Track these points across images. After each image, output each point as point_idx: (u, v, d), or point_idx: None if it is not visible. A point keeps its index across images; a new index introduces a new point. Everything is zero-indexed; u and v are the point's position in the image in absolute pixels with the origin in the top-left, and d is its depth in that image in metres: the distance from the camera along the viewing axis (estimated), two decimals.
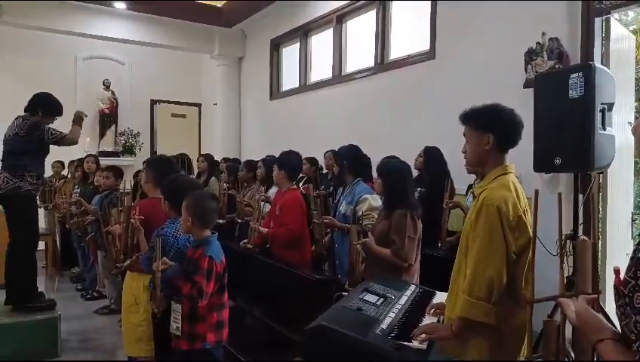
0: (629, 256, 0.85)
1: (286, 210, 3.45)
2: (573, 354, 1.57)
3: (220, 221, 3.90)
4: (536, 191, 1.58)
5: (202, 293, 2.18)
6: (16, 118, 3.60)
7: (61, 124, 3.77)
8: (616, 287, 0.89)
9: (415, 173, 3.95)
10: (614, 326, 1.01)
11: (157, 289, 2.26)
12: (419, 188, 3.67)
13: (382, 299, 2.01)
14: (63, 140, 3.61)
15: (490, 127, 1.79)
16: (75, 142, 3.77)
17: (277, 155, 3.90)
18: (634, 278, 0.81)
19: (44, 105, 3.67)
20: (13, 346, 3.41)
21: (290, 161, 3.66)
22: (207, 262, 2.21)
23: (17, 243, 3.57)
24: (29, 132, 3.50)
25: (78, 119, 3.78)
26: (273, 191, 4.39)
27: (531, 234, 1.70)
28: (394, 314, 1.88)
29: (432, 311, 1.97)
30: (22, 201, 3.55)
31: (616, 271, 0.90)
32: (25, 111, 3.66)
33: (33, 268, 3.75)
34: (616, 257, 3.41)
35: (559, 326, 1.49)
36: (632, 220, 3.76)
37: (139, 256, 2.64)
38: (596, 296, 1.19)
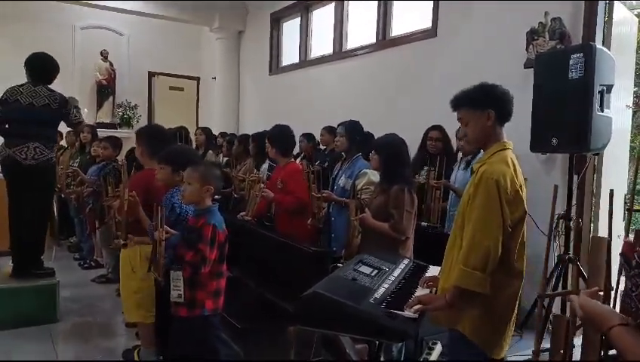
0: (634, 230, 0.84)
1: (290, 181, 3.49)
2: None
3: (216, 196, 3.94)
4: (555, 187, 1.62)
5: (205, 260, 2.22)
6: (36, 87, 3.52)
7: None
8: (624, 255, 0.86)
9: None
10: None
11: (160, 258, 2.29)
12: (426, 168, 3.70)
13: (376, 271, 2.05)
14: (78, 125, 3.82)
15: (489, 103, 1.83)
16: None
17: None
18: None
19: (52, 69, 3.67)
20: (15, 310, 3.46)
21: (280, 137, 3.63)
22: (210, 230, 2.26)
23: (35, 210, 3.62)
24: (60, 106, 3.57)
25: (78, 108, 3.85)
26: (264, 167, 4.40)
27: (526, 211, 1.75)
28: (387, 285, 1.93)
29: (425, 284, 2.02)
30: (49, 172, 3.67)
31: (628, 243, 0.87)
32: (35, 79, 3.57)
33: (44, 234, 3.87)
34: None
35: (568, 322, 1.49)
36: (625, 203, 3.80)
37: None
38: (597, 288, 1.20)
